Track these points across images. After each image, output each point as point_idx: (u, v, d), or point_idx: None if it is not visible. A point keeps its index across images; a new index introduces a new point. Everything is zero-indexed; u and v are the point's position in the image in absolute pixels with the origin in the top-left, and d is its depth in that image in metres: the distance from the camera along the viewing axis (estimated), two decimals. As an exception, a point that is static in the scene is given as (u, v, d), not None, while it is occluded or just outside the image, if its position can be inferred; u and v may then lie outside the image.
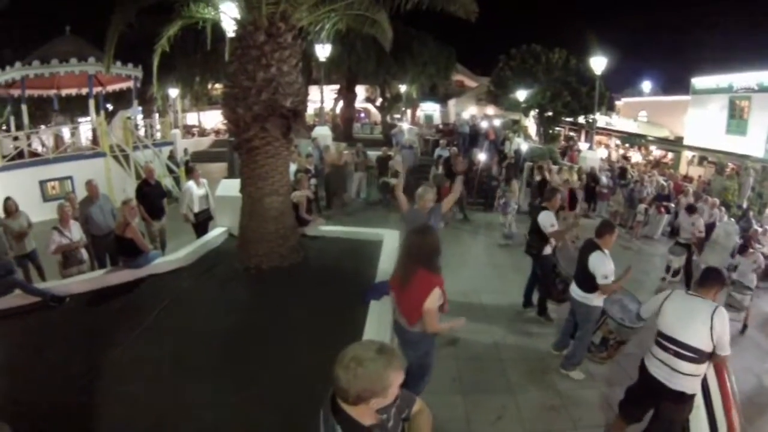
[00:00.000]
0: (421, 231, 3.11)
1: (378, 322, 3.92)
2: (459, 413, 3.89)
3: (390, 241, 5.98)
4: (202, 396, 3.29)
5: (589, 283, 4.26)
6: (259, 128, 4.95)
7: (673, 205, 11.26)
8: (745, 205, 13.50)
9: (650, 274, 7.87)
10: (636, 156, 24.66)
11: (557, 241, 5.46)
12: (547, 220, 5.26)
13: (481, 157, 12.11)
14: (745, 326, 6.29)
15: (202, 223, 7.02)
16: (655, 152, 24.66)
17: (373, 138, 22.85)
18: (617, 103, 28.35)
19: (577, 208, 10.51)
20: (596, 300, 4.33)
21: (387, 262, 5.13)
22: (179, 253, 5.68)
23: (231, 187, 6.22)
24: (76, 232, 5.42)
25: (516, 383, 4.40)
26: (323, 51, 13.47)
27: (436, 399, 3.02)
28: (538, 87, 22.67)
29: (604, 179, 12.12)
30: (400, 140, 14.97)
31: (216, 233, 6.51)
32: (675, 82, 25.90)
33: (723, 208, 10.34)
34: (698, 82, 21.59)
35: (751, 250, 7.07)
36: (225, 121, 6.80)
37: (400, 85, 23.13)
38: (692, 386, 3.13)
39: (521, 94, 22.87)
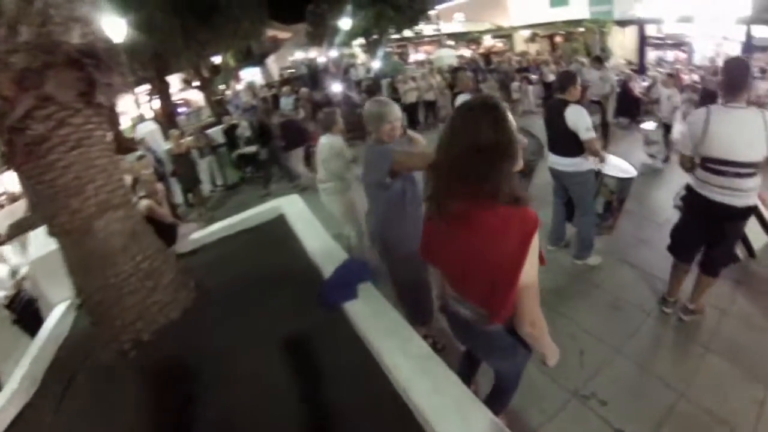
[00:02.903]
0: (479, 108, 1.55)
1: (385, 333, 2.33)
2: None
3: (293, 208, 4.33)
4: None
5: (573, 144, 3.96)
6: (35, 97, 2.45)
7: (534, 76, 12.68)
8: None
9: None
10: (467, 52, 25.34)
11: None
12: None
13: (337, 88, 11.81)
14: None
15: (24, 315, 4.42)
16: (486, 43, 26.12)
17: (205, 124, 19.67)
18: (431, 12, 28.44)
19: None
20: (586, 163, 4.06)
21: (311, 234, 3.65)
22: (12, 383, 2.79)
23: (45, 238, 3.35)
24: None
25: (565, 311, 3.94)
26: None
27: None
28: (359, 11, 21.59)
29: (469, 73, 12.18)
30: (240, 104, 13.42)
31: (55, 319, 3.54)
32: None
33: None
34: (516, -32, 23.52)
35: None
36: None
37: (214, 58, 20.37)
38: (755, 197, 3.10)
39: (345, 24, 21.46)
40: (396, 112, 2.91)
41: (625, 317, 3.80)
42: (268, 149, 8.94)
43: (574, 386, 3.12)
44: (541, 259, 1.65)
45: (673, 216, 5.60)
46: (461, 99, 4.59)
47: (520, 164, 1.56)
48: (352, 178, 4.73)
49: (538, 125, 4.49)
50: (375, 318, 2.47)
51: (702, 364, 3.30)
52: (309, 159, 8.77)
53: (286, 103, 11.87)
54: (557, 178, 4.36)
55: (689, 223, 3.44)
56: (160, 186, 5.70)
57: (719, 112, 2.98)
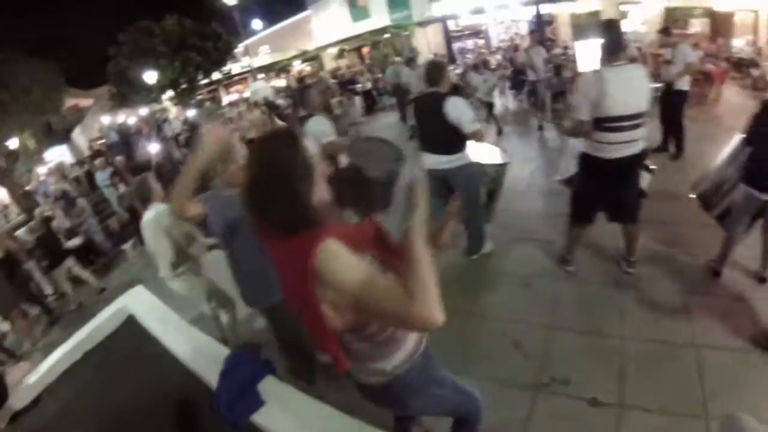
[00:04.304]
0: (271, 137, 1.48)
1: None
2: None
3: (141, 304, 3.55)
4: None
5: (455, 140, 3.74)
6: None
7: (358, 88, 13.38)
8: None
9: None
10: (280, 82, 25.42)
11: None
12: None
13: (154, 148, 11.27)
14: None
15: None
16: (296, 68, 26.40)
17: (15, 224, 16.57)
18: (237, 51, 28.05)
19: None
20: (469, 156, 3.86)
21: (172, 332, 2.96)
22: None
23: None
24: None
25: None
26: None
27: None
28: (164, 62, 20.24)
29: (281, 101, 13.70)
30: (48, 191, 11.46)
31: None
32: (290, 5, 27.81)
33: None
34: (314, -9, 24.71)
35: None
36: None
37: (9, 142, 17.13)
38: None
39: (150, 77, 19.71)
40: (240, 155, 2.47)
41: (539, 291, 3.79)
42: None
43: (531, 380, 2.95)
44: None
45: (537, 180, 6.01)
46: (313, 123, 4.09)
47: (323, 194, 1.40)
48: (201, 249, 3.87)
49: (371, 132, 4.35)
50: (301, 425, 1.90)
51: (625, 305, 3.42)
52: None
53: (103, 178, 10.27)
54: (439, 179, 3.99)
55: (590, 187, 3.50)
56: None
57: (609, 72, 3.04)
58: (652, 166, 3.79)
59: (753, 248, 3.43)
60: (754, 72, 9.80)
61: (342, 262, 1.26)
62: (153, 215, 3.47)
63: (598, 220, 3.69)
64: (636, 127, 3.12)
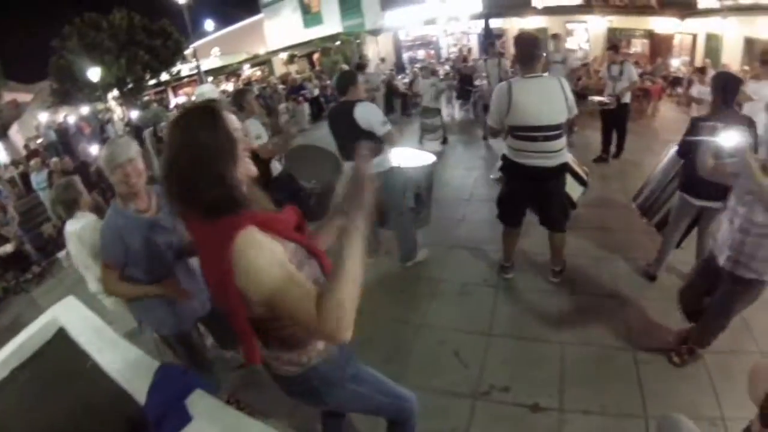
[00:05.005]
0: (192, 112, 1.35)
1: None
2: None
3: (73, 315, 3.17)
4: None
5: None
6: None
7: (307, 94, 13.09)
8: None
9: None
10: (229, 86, 25.10)
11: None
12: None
13: (94, 150, 11.03)
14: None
15: None
16: (246, 73, 25.82)
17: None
18: (187, 51, 27.25)
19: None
20: (387, 160, 3.81)
21: (104, 346, 2.70)
22: None
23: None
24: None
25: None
26: None
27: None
28: (110, 59, 19.27)
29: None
30: None
31: None
32: (244, 6, 27.15)
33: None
34: (265, -5, 24.75)
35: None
36: None
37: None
38: (566, 155, 3.35)
39: (95, 74, 18.59)
40: (129, 151, 2.26)
41: (478, 299, 3.82)
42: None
43: (471, 389, 2.94)
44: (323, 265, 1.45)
45: (480, 189, 6.07)
46: (253, 126, 4.00)
47: (248, 168, 1.36)
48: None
49: (317, 139, 4.28)
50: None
51: (563, 310, 3.54)
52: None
53: (39, 180, 9.74)
54: None
55: (512, 190, 3.58)
56: None
57: (519, 83, 3.13)
58: (586, 178, 3.88)
59: (688, 252, 3.60)
60: (688, 90, 10.44)
61: (262, 255, 1.23)
62: (77, 227, 3.12)
63: (534, 228, 3.81)
64: (551, 138, 3.16)
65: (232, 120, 1.32)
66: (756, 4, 12.77)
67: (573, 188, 3.74)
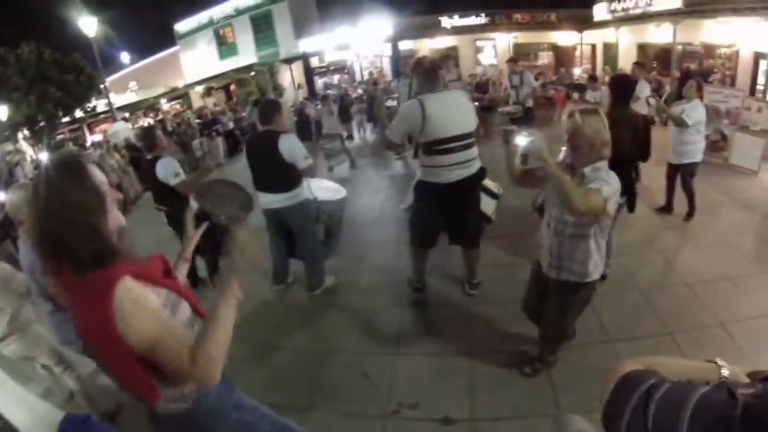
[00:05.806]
0: (57, 168, 1.34)
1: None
2: None
3: None
4: None
5: (290, 177, 3.75)
6: None
7: (220, 128, 13.02)
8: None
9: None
10: (146, 121, 23.80)
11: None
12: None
13: (2, 195, 9.29)
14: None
15: None
16: (165, 107, 24.96)
17: None
18: (102, 86, 25.83)
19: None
20: (304, 192, 3.90)
21: (12, 400, 2.57)
22: None
23: None
24: None
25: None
26: None
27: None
28: (18, 96, 17.79)
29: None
30: None
31: None
32: (160, 38, 26.32)
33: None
34: (181, 27, 24.25)
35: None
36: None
37: None
38: (479, 162, 3.46)
39: (1, 113, 17.47)
40: None
41: (386, 320, 3.81)
42: None
43: (380, 409, 2.89)
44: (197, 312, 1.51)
45: (389, 211, 6.06)
46: (169, 164, 3.99)
47: (118, 219, 1.37)
48: (29, 313, 3.17)
49: (232, 173, 4.14)
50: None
51: (470, 323, 3.59)
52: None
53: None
54: (275, 216, 3.95)
55: (427, 213, 3.59)
56: None
57: (431, 98, 3.22)
58: (497, 192, 3.95)
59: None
60: (583, 96, 11.19)
61: (140, 306, 1.27)
62: None
63: (442, 244, 3.80)
64: (467, 147, 3.30)
65: (97, 174, 1.33)
66: (644, 13, 14.20)
67: (487, 204, 3.81)
